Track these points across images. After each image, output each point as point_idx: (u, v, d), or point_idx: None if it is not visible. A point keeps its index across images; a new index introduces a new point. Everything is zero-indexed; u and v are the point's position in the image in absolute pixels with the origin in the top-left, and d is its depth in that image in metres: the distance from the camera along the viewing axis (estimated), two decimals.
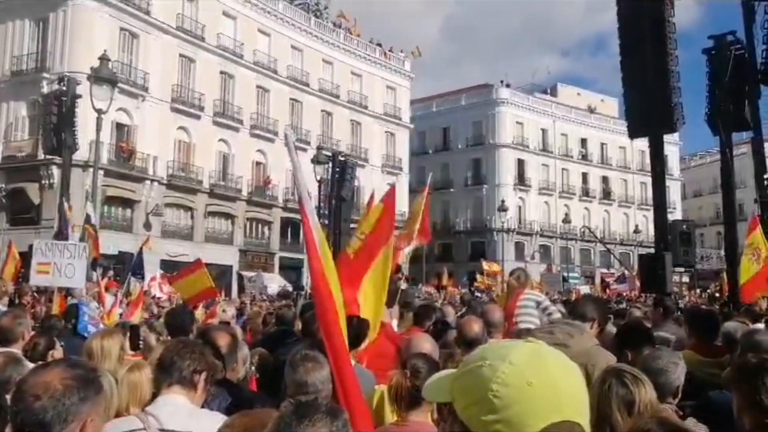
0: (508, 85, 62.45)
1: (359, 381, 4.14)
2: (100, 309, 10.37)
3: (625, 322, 5.55)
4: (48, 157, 27.35)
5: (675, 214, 54.41)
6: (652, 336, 4.50)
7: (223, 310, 8.31)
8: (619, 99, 43.50)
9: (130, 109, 34.56)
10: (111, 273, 20.89)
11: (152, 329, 7.31)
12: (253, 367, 4.75)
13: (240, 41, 41.53)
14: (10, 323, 4.61)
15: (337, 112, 48.28)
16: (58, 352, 4.57)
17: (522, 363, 1.18)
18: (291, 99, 45.05)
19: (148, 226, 34.45)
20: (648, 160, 18.45)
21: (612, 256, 50.96)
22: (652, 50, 14.11)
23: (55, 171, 29.79)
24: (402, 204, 50.74)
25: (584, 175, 64.50)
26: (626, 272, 33.90)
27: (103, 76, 16.48)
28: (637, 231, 60.08)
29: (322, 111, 47.30)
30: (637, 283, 21.34)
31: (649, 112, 14.45)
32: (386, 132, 52.52)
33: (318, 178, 25.64)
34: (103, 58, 17.14)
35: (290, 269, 42.02)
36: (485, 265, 32.99)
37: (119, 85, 22.57)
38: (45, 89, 29.61)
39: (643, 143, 28.50)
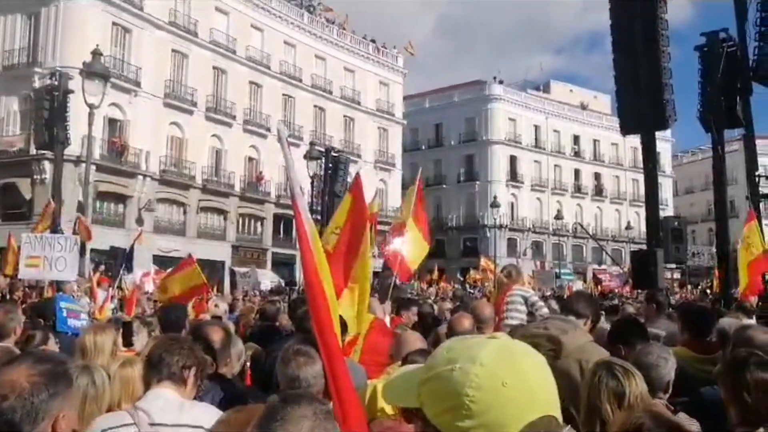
0: (501, 82, 62.48)
1: (353, 375, 4.16)
2: (92, 304, 10.34)
3: (619, 318, 5.58)
4: (40, 152, 27.22)
5: (667, 210, 54.61)
6: (646, 332, 4.52)
7: (215, 305, 8.29)
8: (611, 96, 43.60)
9: (123, 105, 34.41)
10: (102, 268, 20.84)
11: (146, 325, 7.29)
12: (248, 363, 4.75)
13: (233, 36, 41.39)
14: (2, 318, 4.58)
15: (330, 108, 48.21)
16: (52, 346, 4.56)
17: (492, 363, 1.16)
18: (284, 94, 44.96)
19: (140, 221, 34.35)
20: (640, 157, 18.49)
21: (604, 252, 51.12)
22: (645, 47, 14.13)
23: (47, 166, 29.64)
24: (395, 200, 50.98)
25: (576, 172, 64.65)
26: (621, 270, 34.08)
27: (95, 71, 16.41)
28: (629, 227, 60.28)
29: (315, 106, 47.23)
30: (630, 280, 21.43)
31: (641, 109, 14.48)
32: (379, 128, 52.49)
33: (311, 173, 25.61)
34: (96, 53, 17.08)
35: (283, 265, 41.98)
36: (483, 262, 33.05)
37: (111, 80, 22.48)
38: (37, 84, 29.44)
39: (635, 140, 28.57)
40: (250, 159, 42.60)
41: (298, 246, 3.28)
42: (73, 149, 24.37)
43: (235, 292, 27.73)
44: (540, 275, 36.02)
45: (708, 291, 22.26)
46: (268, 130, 42.63)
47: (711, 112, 15.12)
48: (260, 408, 2.03)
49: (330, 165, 25.21)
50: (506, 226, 56.32)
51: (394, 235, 8.63)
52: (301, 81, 45.91)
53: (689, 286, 30.57)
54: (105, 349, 4.07)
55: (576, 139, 65.17)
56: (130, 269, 16.34)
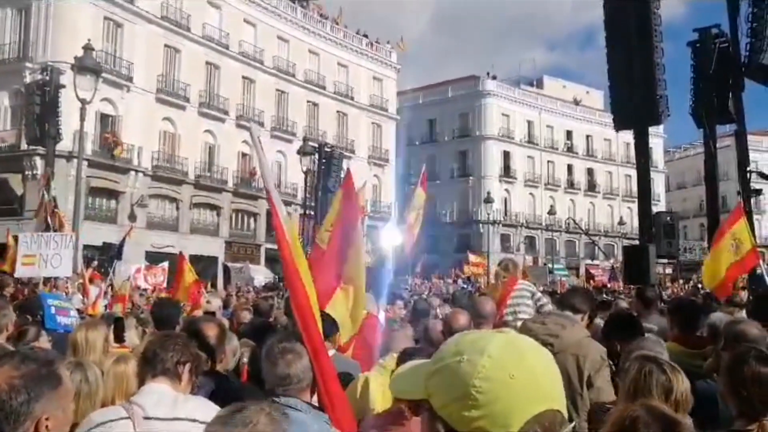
0: (494, 78, 62.48)
1: (347, 369, 4.17)
2: (85, 301, 10.32)
3: (613, 313, 5.59)
4: (31, 147, 27.10)
5: (659, 206, 54.81)
6: (641, 326, 4.54)
7: (207, 302, 8.27)
8: (604, 91, 43.70)
9: (115, 100, 34.25)
10: (95, 263, 20.77)
11: (141, 322, 7.27)
12: (244, 359, 4.74)
13: (225, 31, 41.22)
14: None
15: (324, 103, 48.11)
16: (44, 342, 4.54)
17: (501, 355, 1.17)
18: (277, 90, 44.82)
19: (132, 217, 34.23)
20: (633, 153, 18.54)
21: (597, 247, 51.28)
22: (638, 43, 14.17)
23: (39, 162, 29.52)
24: (387, 195, 51.04)
25: (569, 167, 64.77)
26: (612, 265, 34.15)
27: (87, 66, 16.32)
28: (621, 223, 60.48)
29: (308, 102, 47.12)
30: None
31: (634, 104, 14.53)
32: (373, 123, 52.42)
33: (304, 169, 25.60)
34: (87, 48, 16.97)
35: (276, 261, 41.83)
36: (471, 257, 33.10)
37: (103, 74, 22.38)
38: (28, 79, 29.26)
39: (628, 135, 28.63)
40: (243, 155, 42.46)
41: (276, 241, 3.31)
42: (65, 145, 24.31)
43: (229, 287, 27.68)
44: (533, 270, 35.98)
45: (700, 286, 22.35)
46: (262, 125, 42.51)
47: (703, 108, 15.20)
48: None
49: (323, 160, 25.22)
50: (500, 221, 56.42)
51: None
52: (294, 76, 45.78)
53: (681, 281, 30.68)
54: (96, 345, 4.06)
55: (569, 134, 65.27)
56: (119, 257, 16.34)
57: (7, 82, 32.57)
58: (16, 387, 1.73)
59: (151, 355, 2.91)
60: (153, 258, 26.67)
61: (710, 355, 4.17)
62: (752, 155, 18.37)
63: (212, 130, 40.32)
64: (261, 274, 35.87)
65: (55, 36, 31.94)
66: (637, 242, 16.55)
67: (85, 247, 22.70)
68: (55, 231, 12.28)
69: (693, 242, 55.44)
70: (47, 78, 17.74)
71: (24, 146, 28.90)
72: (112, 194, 34.50)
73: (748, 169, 15.13)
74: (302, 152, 26.23)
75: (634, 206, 31.04)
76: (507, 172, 59.69)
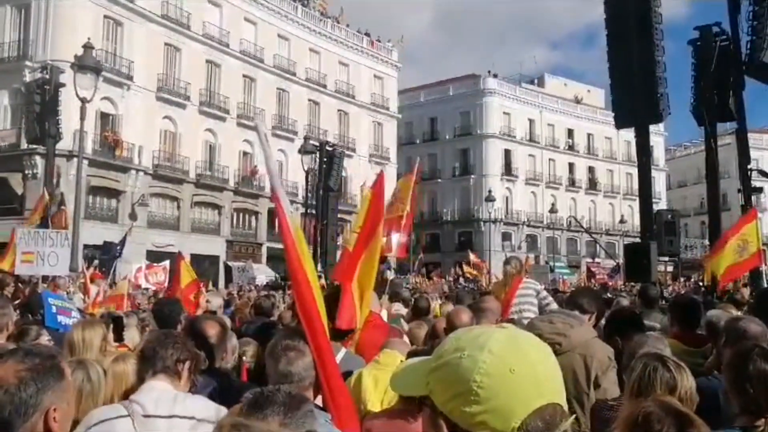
0: (495, 76, 62.45)
1: (354, 366, 4.16)
2: (86, 300, 10.31)
3: (615, 309, 5.58)
4: (31, 146, 27.09)
5: (660, 204, 54.82)
6: (643, 323, 4.53)
7: (207, 301, 8.23)
8: (605, 89, 43.65)
9: (115, 98, 34.24)
10: (96, 262, 20.76)
11: (140, 320, 7.26)
12: (244, 357, 4.73)
13: (226, 30, 41.20)
14: None
15: (324, 102, 48.10)
16: (44, 341, 4.53)
17: (501, 350, 1.18)
18: (278, 88, 44.82)
19: (133, 216, 34.23)
20: (634, 151, 18.53)
21: (598, 245, 51.27)
22: (639, 41, 14.16)
23: (39, 161, 29.54)
24: (389, 194, 50.86)
25: (571, 166, 64.73)
26: (614, 263, 34.11)
27: (87, 65, 16.33)
28: (622, 221, 60.42)
29: (309, 100, 47.11)
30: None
31: (635, 102, 14.52)
32: (374, 122, 52.41)
33: (305, 168, 25.56)
34: (87, 46, 16.97)
35: (277, 260, 41.82)
36: (473, 257, 33.07)
37: (103, 73, 22.39)
38: (27, 78, 29.25)
39: (629, 134, 28.61)
40: (244, 153, 42.47)
41: (281, 238, 3.30)
42: (65, 144, 24.29)
43: (231, 286, 27.67)
44: (535, 269, 35.98)
45: (701, 284, 22.34)
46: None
47: (704, 106, 15.19)
48: None
49: (324, 159, 25.16)
50: (501, 220, 56.41)
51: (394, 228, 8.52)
52: (295, 75, 45.77)
53: (682, 279, 30.67)
54: (93, 344, 4.04)
55: (570, 132, 65.23)
56: (120, 256, 16.36)
57: (6, 80, 32.57)
58: (24, 379, 1.76)
59: (150, 353, 2.92)
60: (154, 257, 26.67)
61: (710, 353, 4.16)
62: (753, 153, 18.35)
63: (213, 128, 40.31)
64: (263, 273, 35.84)
65: (55, 34, 31.94)
66: (638, 240, 16.54)
67: (86, 246, 22.68)
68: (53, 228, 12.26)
69: (694, 240, 55.41)
70: (47, 77, 17.72)
71: (24, 145, 28.91)
72: (113, 193, 34.51)
73: (749, 167, 15.12)
74: (303, 151, 26.17)
75: (636, 204, 31.01)
76: (508, 170, 59.66)
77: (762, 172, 17.13)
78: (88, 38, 18.71)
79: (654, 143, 51.40)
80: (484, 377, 1.15)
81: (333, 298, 4.30)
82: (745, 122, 15.20)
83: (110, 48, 34.34)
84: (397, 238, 8.34)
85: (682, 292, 20.96)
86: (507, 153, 60.09)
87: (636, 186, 18.51)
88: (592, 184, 65.48)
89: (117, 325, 5.45)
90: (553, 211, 54.81)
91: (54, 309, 6.59)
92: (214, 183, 39.67)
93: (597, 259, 52.40)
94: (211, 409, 2.83)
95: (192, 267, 9.96)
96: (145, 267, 20.04)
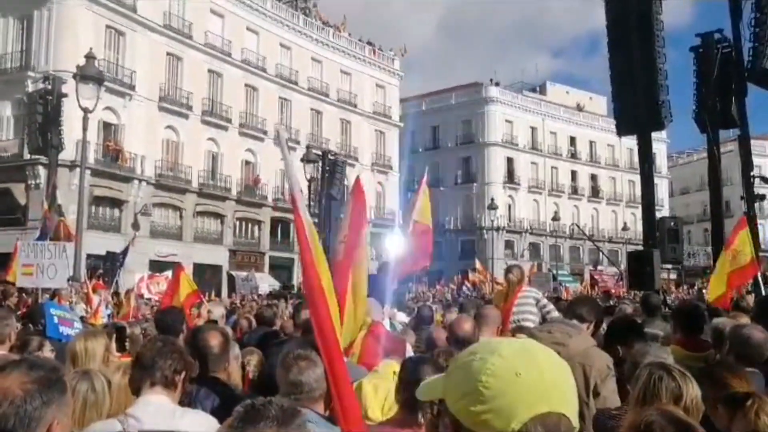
0: (497, 84, 62.56)
1: (357, 377, 4.14)
2: (88, 310, 10.31)
3: (616, 318, 5.56)
4: (34, 157, 27.11)
5: (663, 211, 54.64)
6: (643, 331, 4.51)
7: (209, 311, 8.21)
8: (607, 97, 43.67)
9: (117, 108, 34.31)
10: (101, 271, 20.78)
11: (145, 331, 7.23)
12: (247, 367, 4.72)
13: (228, 39, 41.32)
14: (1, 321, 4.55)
15: (327, 111, 48.18)
16: (47, 352, 4.51)
17: (511, 355, 1.21)
18: (280, 97, 44.91)
19: (136, 226, 34.23)
20: (636, 158, 18.51)
21: (601, 253, 51.16)
22: (641, 48, 14.15)
23: (42, 171, 29.54)
24: (392, 202, 50.98)
25: (573, 173, 64.73)
26: (617, 271, 34.01)
27: (89, 75, 16.36)
28: (625, 228, 60.39)
29: (312, 109, 47.19)
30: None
31: (637, 109, 14.49)
32: (376, 130, 52.47)
33: (308, 176, 25.61)
34: (89, 56, 17.02)
35: (280, 269, 41.93)
36: (478, 265, 33.00)
37: (106, 83, 22.44)
38: (30, 88, 29.30)
39: (631, 141, 28.64)
40: (247, 162, 42.52)
41: (297, 248, 3.28)
42: (68, 154, 24.34)
43: (234, 296, 27.65)
44: (536, 277, 35.85)
45: (704, 291, 22.27)
46: (265, 133, 42.59)
47: (706, 113, 15.15)
48: None
49: (327, 168, 25.21)
50: (504, 227, 56.38)
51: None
52: (297, 84, 45.88)
53: (685, 286, 30.59)
54: (96, 355, 4.03)
55: (572, 140, 65.27)
56: (121, 265, 16.35)
57: (9, 91, 32.63)
58: (30, 392, 1.75)
59: (149, 362, 2.87)
60: (156, 267, 26.68)
61: (713, 359, 4.15)
62: (756, 160, 18.30)
63: (215, 138, 40.36)
64: (266, 282, 35.82)
65: (57, 45, 32.03)
66: (641, 248, 16.48)
67: (89, 256, 22.72)
68: (54, 240, 12.27)
69: (697, 247, 55.33)
70: (49, 87, 17.76)
71: (26, 156, 28.92)
72: (116, 203, 34.53)
73: (751, 174, 15.07)
74: (306, 160, 26.23)
75: (638, 212, 30.94)
76: (511, 178, 59.66)
77: (765, 179, 17.08)
78: (91, 48, 18.77)
79: (656, 150, 51.50)
80: (490, 378, 1.18)
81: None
82: (748, 129, 15.16)
83: (112, 58, 34.44)
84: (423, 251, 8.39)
85: (686, 299, 20.90)
86: (509, 161, 60.11)
87: (639, 193, 18.50)
88: (595, 192, 65.46)
89: (120, 335, 5.44)
90: (555, 218, 54.78)
91: (56, 319, 6.60)
92: (217, 192, 39.69)
93: (600, 267, 52.29)
94: (210, 426, 2.79)
95: (195, 276, 9.98)
96: (147, 277, 20.05)
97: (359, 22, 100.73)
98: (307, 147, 29.93)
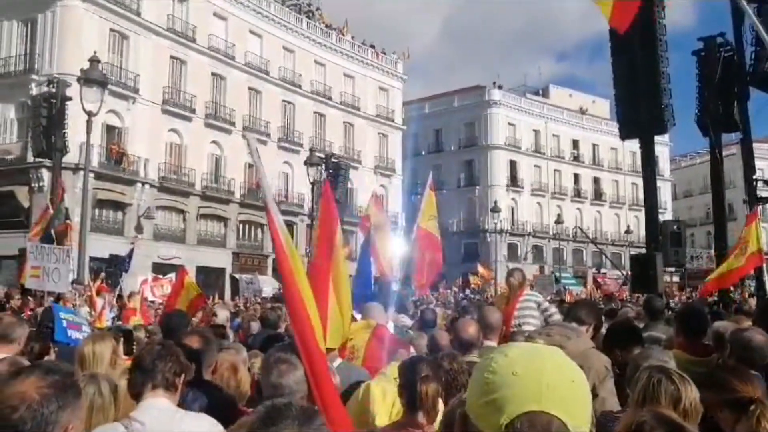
0: (500, 87, 62.55)
1: (358, 378, 4.16)
2: (93, 313, 10.34)
3: (615, 321, 5.59)
4: (37, 159, 27.23)
5: (666, 214, 54.67)
6: (641, 335, 4.53)
7: (214, 314, 8.21)
8: (610, 100, 43.66)
9: (121, 111, 34.38)
10: (103, 275, 20.81)
11: (150, 334, 7.27)
12: (252, 370, 4.74)
13: (231, 42, 41.41)
14: (14, 323, 4.58)
15: (330, 114, 48.22)
16: (51, 357, 4.55)
17: (515, 355, 1.27)
18: (283, 101, 44.96)
19: (139, 228, 34.31)
20: (639, 161, 18.51)
21: (604, 256, 51.12)
22: (643, 52, 14.16)
23: (45, 174, 29.62)
24: (394, 205, 51.01)
25: (576, 176, 64.69)
26: (621, 273, 33.93)
27: (93, 78, 16.41)
28: (628, 231, 60.30)
29: (315, 113, 47.23)
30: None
31: (640, 113, 14.51)
32: (379, 134, 52.50)
33: (311, 180, 25.65)
34: (93, 60, 17.07)
35: None
36: (481, 268, 32.96)
37: (109, 86, 22.48)
38: (34, 91, 29.39)
39: (634, 144, 28.65)
40: (250, 165, 42.48)
41: (274, 251, 3.30)
42: (71, 157, 24.33)
43: (237, 299, 27.68)
44: (539, 280, 35.80)
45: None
46: (268, 136, 42.64)
47: (708, 116, 15.18)
48: None
49: (330, 171, 25.25)
50: (507, 230, 56.32)
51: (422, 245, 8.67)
52: (300, 87, 45.93)
53: (688, 289, 30.53)
54: (104, 358, 4.06)
55: (575, 143, 65.24)
56: (126, 269, 16.40)
57: (13, 94, 32.74)
58: (47, 396, 1.78)
59: (149, 366, 2.87)
60: (160, 269, 26.71)
61: (715, 363, 4.16)
62: (758, 163, 18.33)
63: (219, 141, 40.42)
64: (269, 285, 35.86)
65: (61, 48, 32.14)
66: (644, 251, 16.48)
67: (92, 259, 22.70)
68: (59, 244, 12.33)
69: (700, 250, 55.24)
70: (53, 90, 17.82)
71: (30, 158, 29.04)
72: (119, 206, 34.58)
73: (754, 177, 15.09)
74: (309, 163, 26.29)
75: (641, 215, 30.87)
76: (514, 181, 59.64)
77: (767, 182, 17.08)
78: (94, 52, 18.85)
79: (659, 153, 51.39)
80: (491, 375, 1.25)
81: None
82: (750, 132, 15.20)
83: (116, 61, 34.53)
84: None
85: (689, 301, 20.86)
86: (512, 164, 60.09)
87: (641, 196, 18.49)
88: (598, 195, 65.40)
89: (127, 338, 5.48)
90: (558, 221, 54.72)
91: (64, 323, 6.63)
92: (220, 195, 39.75)
93: (603, 270, 52.22)
94: (210, 427, 2.80)
95: (198, 279, 10.01)
96: (151, 280, 20.06)
97: (362, 26, 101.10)
98: (311, 150, 29.97)
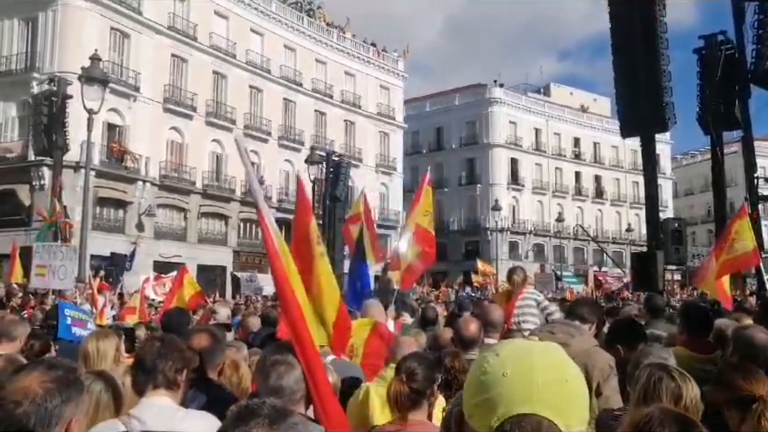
0: (501, 85, 62.52)
1: (350, 373, 4.16)
2: (94, 311, 10.35)
3: (618, 319, 5.59)
4: (38, 158, 27.23)
5: (667, 212, 54.67)
6: (644, 332, 4.53)
7: (213, 312, 8.20)
8: (611, 98, 43.63)
9: (122, 110, 34.38)
10: (102, 273, 20.82)
11: (150, 331, 7.27)
12: (252, 368, 4.73)
13: (232, 41, 41.40)
14: (15, 321, 4.59)
15: (331, 112, 48.21)
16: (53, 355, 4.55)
17: (505, 355, 1.25)
18: (284, 99, 44.95)
19: (140, 227, 34.34)
20: (640, 159, 18.50)
21: (605, 254, 51.12)
22: (644, 50, 14.17)
23: (46, 172, 29.62)
24: (396, 203, 51.03)
25: (577, 174, 64.67)
26: (622, 271, 33.93)
27: (94, 76, 16.41)
28: (629, 229, 60.30)
29: (316, 111, 47.22)
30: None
31: (640, 111, 14.52)
32: (380, 132, 52.48)
33: (312, 178, 25.65)
34: (94, 58, 17.06)
35: None
36: (480, 265, 32.97)
37: (110, 85, 22.50)
38: (35, 90, 29.39)
39: (635, 142, 28.61)
40: (251, 164, 42.47)
41: (266, 251, 3.27)
42: (72, 155, 24.36)
43: (238, 297, 27.68)
44: (540, 278, 35.78)
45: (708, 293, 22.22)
46: (269, 134, 42.65)
47: (710, 114, 15.19)
48: None
49: (331, 169, 25.25)
50: (507, 229, 56.32)
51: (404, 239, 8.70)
52: (301, 85, 45.92)
53: (690, 288, 30.50)
54: (108, 355, 4.05)
55: (576, 141, 65.22)
56: (129, 268, 16.43)
57: (14, 92, 32.75)
58: (50, 390, 1.78)
59: (150, 364, 2.85)
60: (161, 268, 26.71)
61: (719, 361, 4.16)
62: (759, 161, 18.31)
63: (219, 139, 40.40)
64: (270, 283, 35.82)
65: (62, 47, 32.13)
66: (645, 249, 16.48)
67: (93, 257, 22.73)
68: (64, 241, 12.39)
69: (701, 248, 55.19)
70: (54, 88, 17.84)
71: (31, 157, 29.06)
72: (120, 204, 34.59)
73: (755, 175, 15.10)
74: (310, 161, 26.31)
75: (642, 213, 30.85)
76: (515, 179, 59.63)
77: None
78: (95, 50, 18.81)
79: (660, 151, 51.36)
80: (482, 375, 1.24)
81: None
82: (751, 130, 15.19)
83: (117, 59, 34.53)
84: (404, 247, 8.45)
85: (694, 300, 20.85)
86: (513, 162, 60.08)
87: (643, 194, 18.49)
88: (599, 193, 65.39)
89: (129, 335, 5.49)
90: (559, 219, 54.71)
91: (69, 320, 6.63)
92: (221, 193, 39.76)
93: (604, 268, 52.23)
94: (211, 425, 2.78)
95: (199, 277, 10.02)
96: (153, 278, 20.05)
97: (363, 24, 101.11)
98: (311, 148, 30.00)
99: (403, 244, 8.83)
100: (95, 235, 27.57)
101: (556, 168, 63.01)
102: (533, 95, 66.33)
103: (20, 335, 4.55)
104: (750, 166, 14.93)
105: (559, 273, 45.22)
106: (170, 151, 37.70)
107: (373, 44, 53.11)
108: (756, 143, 16.22)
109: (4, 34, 34.22)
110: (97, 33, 32.37)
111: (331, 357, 4.21)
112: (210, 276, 36.18)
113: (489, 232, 54.23)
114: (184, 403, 3.06)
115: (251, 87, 42.74)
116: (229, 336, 7.26)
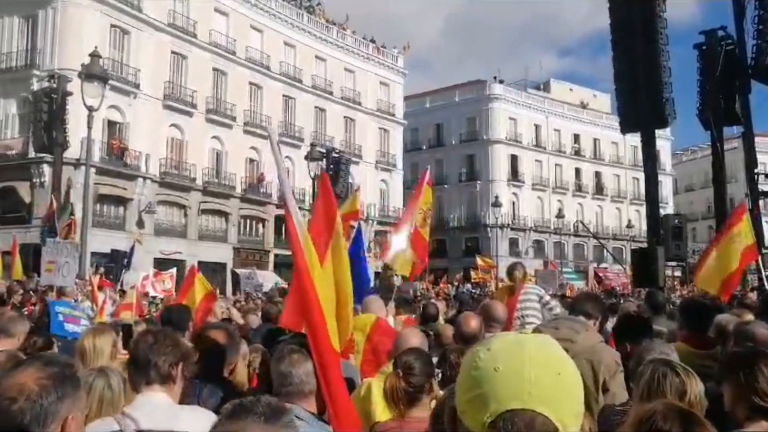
0: (501, 82, 62.44)
1: (346, 374, 4.14)
2: (94, 308, 10.35)
3: (624, 315, 5.57)
4: (39, 155, 27.20)
5: (667, 208, 54.60)
6: (651, 328, 4.53)
7: (220, 308, 8.21)
8: (611, 94, 43.59)
9: (122, 107, 34.35)
10: (102, 270, 20.81)
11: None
12: (254, 364, 4.73)
13: (232, 38, 41.35)
14: (14, 318, 4.58)
15: (331, 109, 48.17)
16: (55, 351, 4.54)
17: (497, 349, 1.23)
18: (284, 96, 44.92)
19: (140, 224, 34.33)
20: (640, 156, 18.49)
21: (605, 250, 51.11)
22: (644, 46, 14.15)
23: (47, 169, 29.60)
24: (396, 200, 51.02)
25: (577, 171, 64.63)
26: (622, 268, 33.92)
27: (94, 73, 16.41)
28: (629, 226, 60.30)
29: (316, 107, 47.18)
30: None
31: (640, 107, 14.50)
32: (380, 128, 52.44)
33: (312, 174, 25.64)
34: (94, 55, 17.05)
35: (285, 266, 41.88)
36: (479, 260, 32.97)
37: (110, 82, 22.50)
38: (35, 87, 29.38)
39: (635, 138, 28.57)
40: (251, 160, 42.56)
41: (290, 247, 3.25)
42: (73, 152, 24.35)
43: (238, 294, 27.68)
44: (541, 274, 35.74)
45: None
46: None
47: (710, 110, 15.19)
48: None
49: (331, 166, 25.26)
50: (508, 225, 56.31)
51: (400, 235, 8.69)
52: (301, 82, 45.87)
53: (690, 284, 30.50)
54: (104, 351, 4.05)
55: (576, 137, 65.16)
56: (128, 266, 16.42)
57: (14, 89, 32.74)
58: (46, 387, 1.76)
59: (143, 360, 2.81)
60: (161, 264, 26.70)
61: (720, 356, 4.15)
62: (760, 157, 18.30)
63: (220, 136, 40.41)
64: (270, 280, 35.84)
65: (62, 44, 32.11)
66: (645, 245, 16.49)
67: (93, 254, 22.75)
68: (65, 239, 12.41)
69: (701, 245, 55.00)
70: (54, 86, 17.85)
71: (32, 154, 29.02)
72: (120, 201, 34.60)
73: (756, 171, 15.09)
74: (310, 158, 26.31)
75: (642, 209, 30.89)
76: (515, 175, 59.60)
77: None
78: (95, 47, 18.80)
79: (660, 147, 51.31)
80: (473, 371, 1.22)
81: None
82: (752, 126, 15.18)
83: (117, 56, 34.49)
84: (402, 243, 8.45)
85: (696, 295, 20.82)
86: (513, 158, 60.05)
87: (643, 190, 18.48)
88: (599, 189, 65.36)
89: (127, 331, 5.48)
90: (560, 216, 54.68)
91: (61, 317, 6.62)
92: (221, 190, 39.75)
93: (604, 264, 52.22)
94: (207, 421, 2.76)
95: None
96: (153, 275, 20.03)
97: (363, 21, 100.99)
98: (311, 145, 29.95)
99: (401, 240, 8.80)
100: (96, 232, 27.58)
101: (556, 164, 62.96)
102: (533, 91, 66.26)
103: (19, 332, 4.54)
104: (751, 161, 14.94)
105: (559, 269, 45.24)
106: (170, 148, 37.68)
107: (373, 41, 53.04)
108: (756, 139, 16.21)
109: (4, 31, 34.17)
110: (97, 30, 32.34)
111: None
112: (210, 273, 36.13)
113: (489, 229, 54.22)
114: (197, 402, 3.04)
115: (251, 84, 42.71)
116: None
